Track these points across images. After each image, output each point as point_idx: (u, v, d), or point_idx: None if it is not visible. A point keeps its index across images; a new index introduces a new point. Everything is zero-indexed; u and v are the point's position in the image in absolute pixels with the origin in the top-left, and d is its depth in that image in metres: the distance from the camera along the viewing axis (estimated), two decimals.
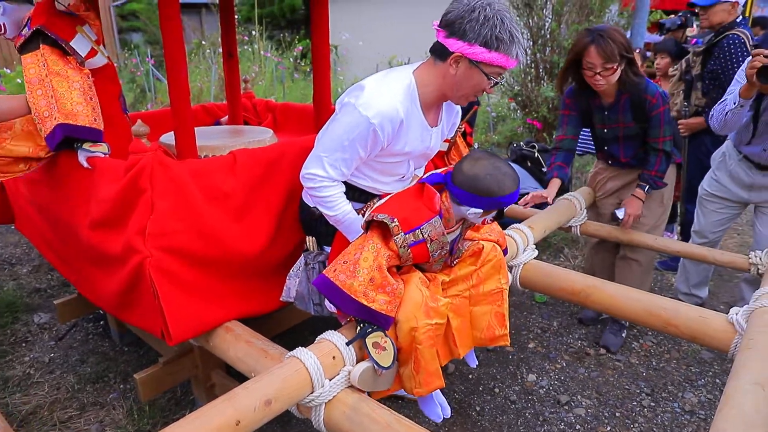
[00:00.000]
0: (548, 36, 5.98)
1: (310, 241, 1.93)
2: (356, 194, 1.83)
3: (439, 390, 1.65)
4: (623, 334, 2.81)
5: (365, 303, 1.44)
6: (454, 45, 1.55)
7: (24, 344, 2.84)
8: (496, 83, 1.64)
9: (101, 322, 3.00)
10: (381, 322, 1.49)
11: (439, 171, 1.63)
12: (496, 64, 1.56)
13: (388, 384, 1.58)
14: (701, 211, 2.84)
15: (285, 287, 1.95)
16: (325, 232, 1.88)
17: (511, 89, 6.48)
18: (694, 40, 3.69)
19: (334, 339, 1.50)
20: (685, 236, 3.52)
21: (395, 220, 1.48)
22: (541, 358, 2.71)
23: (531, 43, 6.13)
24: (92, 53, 2.18)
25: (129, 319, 1.97)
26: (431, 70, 1.65)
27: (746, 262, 2.28)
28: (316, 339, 1.52)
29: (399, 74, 1.67)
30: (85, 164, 1.97)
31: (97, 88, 2.13)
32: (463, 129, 2.59)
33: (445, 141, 2.65)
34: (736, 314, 1.70)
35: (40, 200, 2.40)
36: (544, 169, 3.83)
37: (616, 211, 2.60)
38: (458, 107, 1.93)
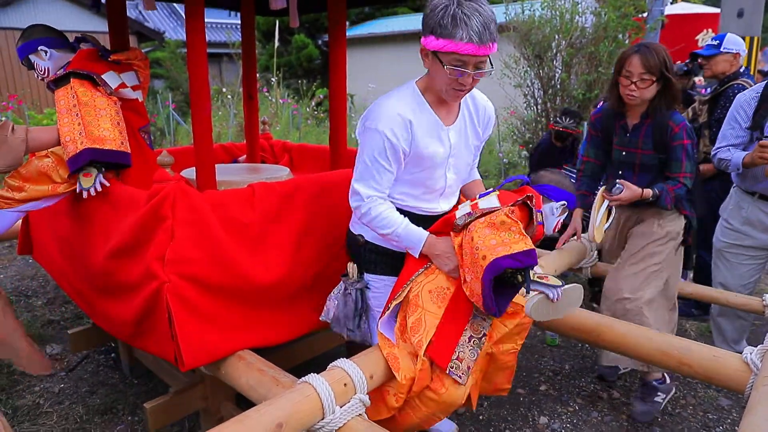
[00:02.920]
0: (558, 86, 6.15)
1: (351, 268, 1.93)
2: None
3: None
4: (656, 399, 2.50)
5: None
6: (422, 41, 1.64)
7: (35, 374, 2.85)
8: (485, 73, 1.62)
9: (112, 355, 3.01)
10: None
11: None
12: (447, 51, 1.55)
13: (565, 310, 1.65)
14: (723, 264, 2.76)
15: (325, 307, 1.97)
16: (369, 260, 1.89)
17: (522, 137, 6.61)
18: (704, 89, 3.78)
19: (346, 366, 1.52)
20: (699, 282, 3.49)
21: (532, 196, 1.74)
22: (552, 400, 2.66)
23: (542, 92, 6.30)
24: (122, 86, 2.32)
25: (144, 347, 1.99)
26: (426, 73, 1.75)
27: (760, 304, 2.27)
28: (328, 366, 1.53)
29: (402, 86, 1.77)
30: (91, 192, 2.09)
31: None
32: None
33: None
34: (751, 353, 1.69)
35: (61, 231, 2.47)
36: None
37: (620, 188, 2.31)
38: (486, 104, 1.91)
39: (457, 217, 1.68)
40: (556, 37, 6.02)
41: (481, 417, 2.53)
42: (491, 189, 1.83)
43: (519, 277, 1.55)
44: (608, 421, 2.51)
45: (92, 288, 2.24)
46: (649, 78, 2.23)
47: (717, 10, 7.43)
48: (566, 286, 1.60)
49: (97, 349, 3.05)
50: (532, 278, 1.54)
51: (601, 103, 3.60)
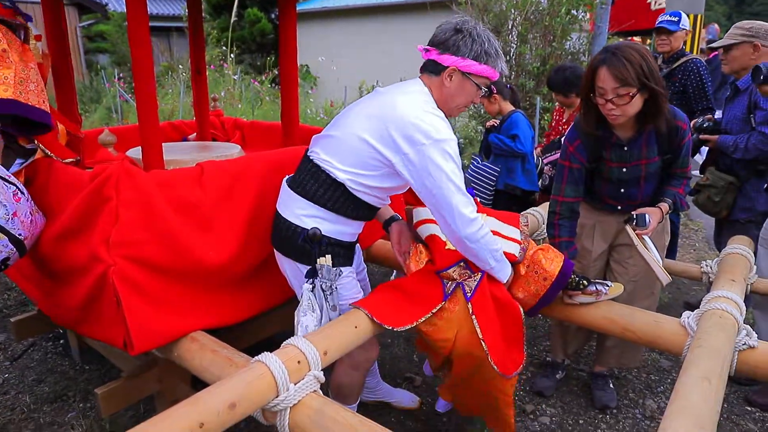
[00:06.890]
0: (514, 61, 6.20)
1: (326, 260, 1.73)
2: (362, 212, 1.83)
3: None
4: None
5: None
6: (447, 60, 1.73)
7: None
8: (489, 93, 1.87)
9: (61, 341, 2.92)
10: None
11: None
12: (485, 75, 1.77)
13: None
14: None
15: (300, 325, 1.69)
16: (332, 253, 1.77)
17: (479, 112, 6.66)
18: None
19: (299, 344, 1.51)
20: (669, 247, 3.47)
21: None
22: None
23: None
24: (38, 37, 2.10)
25: (90, 333, 1.93)
26: (431, 85, 1.79)
27: (698, 271, 2.39)
28: (282, 344, 1.53)
29: (420, 94, 1.76)
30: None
31: None
32: None
33: None
34: (688, 317, 1.78)
35: None
36: None
37: (647, 216, 2.10)
38: None
39: (519, 249, 1.97)
40: (513, 11, 6.05)
41: (437, 387, 2.58)
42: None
43: (585, 281, 1.97)
44: (559, 386, 2.61)
45: (40, 272, 2.15)
46: (626, 92, 1.88)
47: None
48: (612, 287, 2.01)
49: (44, 336, 2.95)
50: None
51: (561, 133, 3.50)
